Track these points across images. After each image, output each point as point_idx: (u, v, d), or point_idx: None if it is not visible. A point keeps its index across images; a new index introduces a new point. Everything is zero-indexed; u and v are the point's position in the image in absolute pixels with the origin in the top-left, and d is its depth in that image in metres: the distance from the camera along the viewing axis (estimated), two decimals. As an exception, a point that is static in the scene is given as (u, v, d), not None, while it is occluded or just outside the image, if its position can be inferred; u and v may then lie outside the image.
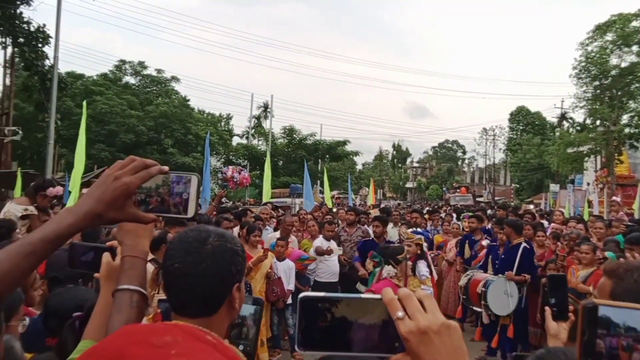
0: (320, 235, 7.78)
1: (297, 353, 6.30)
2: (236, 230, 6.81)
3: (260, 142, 46.21)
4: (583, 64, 26.22)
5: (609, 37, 25.78)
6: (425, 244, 6.96)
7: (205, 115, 47.74)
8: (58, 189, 5.72)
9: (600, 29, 25.87)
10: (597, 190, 20.83)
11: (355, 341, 0.78)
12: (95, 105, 32.31)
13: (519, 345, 6.59)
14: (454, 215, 12.86)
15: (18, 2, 18.41)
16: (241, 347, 1.49)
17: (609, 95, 26.57)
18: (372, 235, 7.93)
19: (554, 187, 32.30)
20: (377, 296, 0.78)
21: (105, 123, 33.13)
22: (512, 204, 28.07)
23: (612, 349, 0.75)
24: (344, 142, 41.44)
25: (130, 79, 41.37)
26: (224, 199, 13.42)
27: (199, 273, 1.22)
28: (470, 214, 11.08)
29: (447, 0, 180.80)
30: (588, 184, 28.53)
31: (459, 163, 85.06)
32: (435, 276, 7.34)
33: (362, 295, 0.80)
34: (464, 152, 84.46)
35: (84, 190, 6.51)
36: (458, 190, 50.71)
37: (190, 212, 1.21)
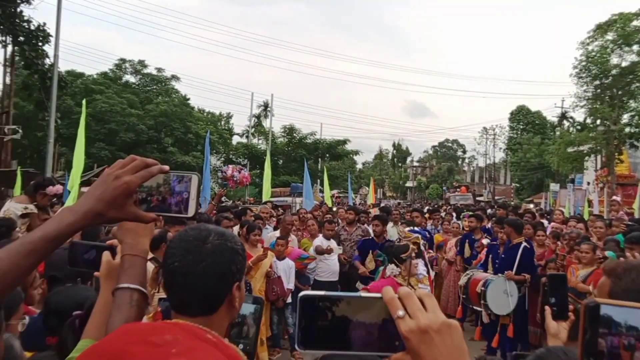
0: (320, 235, 7.79)
1: (297, 352, 6.31)
2: (236, 229, 6.82)
3: (260, 141, 46.21)
4: (584, 63, 26.22)
5: (610, 36, 25.78)
6: (422, 243, 6.95)
7: (205, 114, 47.72)
8: (58, 188, 5.72)
9: (601, 28, 25.87)
10: (597, 189, 20.83)
11: (356, 340, 0.77)
12: (96, 104, 32.32)
13: (519, 345, 6.59)
14: (454, 214, 12.87)
15: (18, 1, 18.40)
16: (241, 346, 1.49)
17: (609, 95, 26.57)
18: (372, 235, 7.93)
19: (554, 186, 32.34)
20: (378, 295, 0.78)
21: (105, 122, 33.13)
22: (512, 203, 28.07)
23: (614, 348, 0.75)
24: (344, 141, 41.46)
25: (130, 78, 41.43)
26: (223, 198, 13.41)
27: (199, 272, 1.22)
28: (470, 213, 11.08)
29: (448, 0, 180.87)
30: (588, 183, 28.57)
31: (459, 162, 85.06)
32: (432, 275, 7.33)
33: (362, 294, 0.80)
34: (464, 152, 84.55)
35: (83, 189, 6.52)
36: (458, 189, 50.69)
37: (191, 212, 1.21)
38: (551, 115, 51.44)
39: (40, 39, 18.69)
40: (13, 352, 1.71)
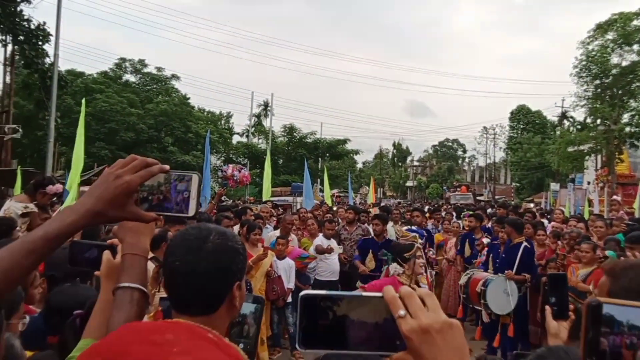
0: (320, 234, 7.79)
1: (297, 352, 6.31)
2: (236, 228, 6.82)
3: (260, 141, 46.20)
4: (584, 62, 26.24)
5: (610, 36, 25.80)
6: (419, 242, 6.93)
7: (205, 113, 47.68)
8: (58, 187, 5.72)
9: (601, 28, 25.88)
10: (598, 189, 20.83)
11: (356, 339, 0.77)
12: (96, 103, 32.33)
13: (519, 344, 6.59)
14: (454, 214, 12.86)
15: (18, 0, 18.40)
16: (241, 345, 1.49)
17: (609, 94, 26.59)
18: (372, 234, 7.93)
19: (554, 186, 32.34)
20: (379, 294, 0.77)
21: (105, 121, 33.14)
22: (513, 202, 28.09)
23: (616, 347, 0.75)
24: (344, 141, 41.46)
25: (130, 77, 41.44)
26: (224, 198, 13.42)
27: (199, 271, 1.22)
28: (471, 212, 11.07)
29: (448, 0, 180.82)
30: (588, 182, 28.56)
31: (459, 162, 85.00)
32: (431, 274, 7.32)
33: (363, 294, 0.80)
34: (465, 151, 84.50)
35: (84, 189, 6.51)
36: (458, 189, 50.61)
37: (191, 211, 1.21)
38: (551, 115, 51.46)
39: (41, 38, 18.70)
40: (13, 351, 1.71)
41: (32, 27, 18.52)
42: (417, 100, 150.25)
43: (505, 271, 6.56)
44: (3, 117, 20.62)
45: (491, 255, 7.31)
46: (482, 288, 6.51)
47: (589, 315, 0.77)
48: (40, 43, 18.76)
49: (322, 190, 21.31)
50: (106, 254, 1.52)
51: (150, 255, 1.98)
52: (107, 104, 33.33)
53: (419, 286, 5.11)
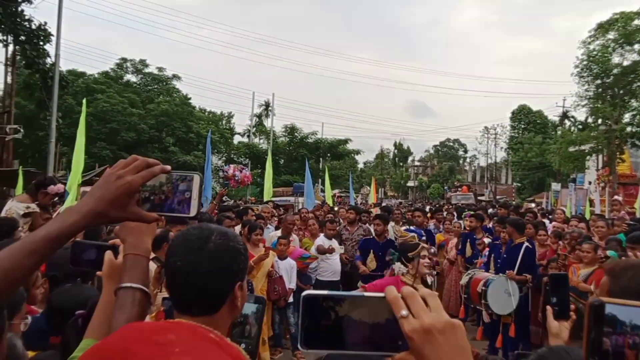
0: (322, 234, 7.79)
1: (299, 352, 6.31)
2: (237, 228, 6.82)
3: (261, 141, 46.18)
4: (585, 62, 26.22)
5: (611, 35, 25.77)
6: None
7: (206, 113, 47.71)
8: (59, 187, 5.73)
9: (603, 28, 25.86)
10: (599, 189, 20.80)
11: (358, 339, 0.77)
12: (97, 104, 32.36)
13: (520, 344, 6.58)
14: (455, 214, 12.85)
15: (19, 0, 18.42)
16: (243, 345, 1.49)
17: (610, 94, 26.56)
18: (373, 234, 7.92)
19: (555, 185, 32.34)
20: (381, 294, 0.77)
21: (106, 121, 33.16)
22: (514, 202, 28.07)
23: (619, 347, 0.75)
24: (345, 141, 41.45)
25: (131, 77, 41.48)
26: (225, 198, 13.43)
27: (201, 271, 1.22)
28: (472, 213, 11.07)
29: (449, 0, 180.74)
30: (590, 182, 28.52)
31: (461, 162, 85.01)
32: (433, 275, 7.30)
33: (365, 294, 0.80)
34: (466, 151, 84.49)
35: (85, 189, 6.51)
36: (459, 189, 50.58)
37: (193, 211, 1.21)
38: (552, 115, 51.43)
39: (42, 38, 18.71)
40: (16, 352, 1.71)
41: (33, 27, 18.53)
42: (419, 100, 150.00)
43: (507, 271, 6.55)
44: (4, 117, 20.64)
45: (492, 255, 7.30)
46: (483, 288, 6.50)
47: (592, 315, 0.77)
48: (41, 43, 18.77)
49: (323, 191, 21.31)
50: (108, 255, 1.52)
51: (152, 255, 1.98)
52: (108, 104, 33.36)
53: (427, 285, 5.07)
